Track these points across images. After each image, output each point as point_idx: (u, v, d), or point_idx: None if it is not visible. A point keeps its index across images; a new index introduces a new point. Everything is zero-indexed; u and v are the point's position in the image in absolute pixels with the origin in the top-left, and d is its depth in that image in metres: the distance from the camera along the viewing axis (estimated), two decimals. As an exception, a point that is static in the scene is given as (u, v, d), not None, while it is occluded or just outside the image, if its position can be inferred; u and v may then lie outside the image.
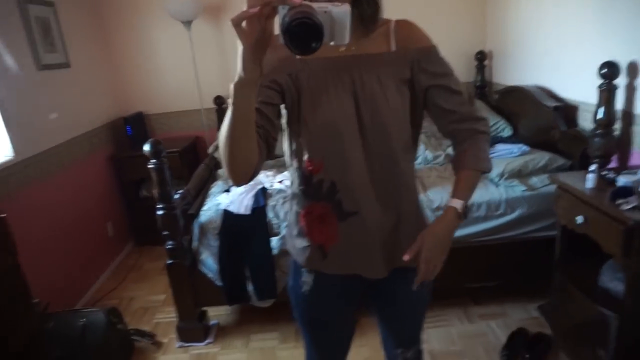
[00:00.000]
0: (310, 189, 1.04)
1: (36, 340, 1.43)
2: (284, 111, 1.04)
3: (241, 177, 0.93)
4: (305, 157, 1.01)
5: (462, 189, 1.04)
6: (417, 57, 1.01)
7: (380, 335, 1.35)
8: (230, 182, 0.96)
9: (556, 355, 2.02)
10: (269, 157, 1.00)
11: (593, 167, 1.75)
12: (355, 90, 0.97)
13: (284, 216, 2.18)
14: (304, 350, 1.28)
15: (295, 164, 1.05)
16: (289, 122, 1.04)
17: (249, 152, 0.89)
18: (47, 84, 2.61)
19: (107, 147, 3.28)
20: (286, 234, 1.17)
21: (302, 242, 1.09)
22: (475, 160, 1.04)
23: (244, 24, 0.69)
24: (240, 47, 0.72)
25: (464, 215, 1.03)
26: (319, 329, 1.20)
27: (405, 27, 1.04)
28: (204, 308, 2.38)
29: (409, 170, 1.09)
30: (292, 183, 1.11)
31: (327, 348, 1.24)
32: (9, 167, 2.21)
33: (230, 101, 0.80)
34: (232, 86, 0.78)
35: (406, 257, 0.99)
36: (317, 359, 1.26)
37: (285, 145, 1.09)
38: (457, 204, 1.02)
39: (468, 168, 1.04)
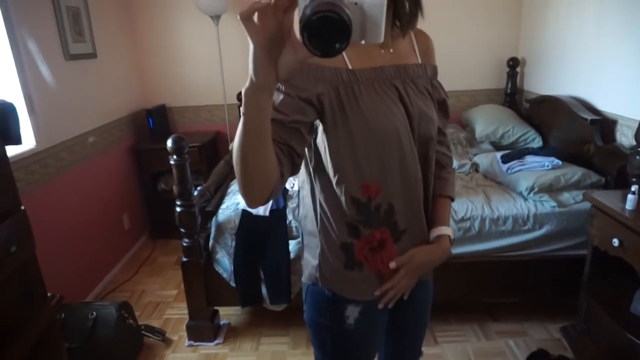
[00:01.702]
0: (369, 216, 0.94)
1: (48, 334, 1.41)
2: (318, 127, 0.92)
3: (256, 198, 0.80)
4: (362, 181, 0.92)
5: (447, 217, 1.06)
6: (431, 74, 1.01)
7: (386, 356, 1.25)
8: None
9: (579, 381, 1.93)
10: (291, 176, 0.89)
11: (634, 187, 1.65)
12: (404, 103, 0.92)
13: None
14: None
15: (344, 189, 0.93)
16: (330, 143, 0.91)
17: (264, 170, 0.76)
18: (74, 74, 2.61)
19: (128, 138, 3.28)
20: (322, 268, 1.00)
21: (355, 275, 0.98)
22: (453, 189, 1.10)
23: (255, 18, 0.57)
24: (251, 47, 0.60)
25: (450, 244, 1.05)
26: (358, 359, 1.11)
27: (424, 40, 1.03)
28: (216, 307, 2.35)
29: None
30: (324, 212, 0.97)
31: None
32: (31, 156, 2.20)
33: (241, 110, 0.68)
34: (243, 92, 0.65)
35: (392, 265, 0.97)
36: None
37: (312, 169, 0.97)
38: (449, 231, 1.03)
39: (448, 196, 1.08)
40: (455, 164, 2.67)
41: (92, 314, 2.04)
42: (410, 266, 0.98)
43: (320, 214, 0.98)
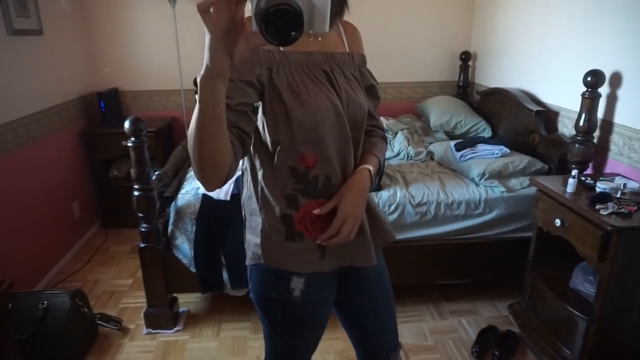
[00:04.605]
0: (307, 186, 1.00)
1: (-2, 322, 1.34)
2: (259, 107, 0.98)
3: (213, 181, 0.86)
4: (299, 153, 0.97)
5: (373, 164, 1.09)
6: (360, 62, 1.08)
7: (360, 352, 1.26)
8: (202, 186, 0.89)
9: (524, 353, 2.08)
10: (243, 157, 0.95)
11: (574, 172, 1.79)
12: (333, 85, 0.99)
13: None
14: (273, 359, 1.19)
15: (281, 162, 0.99)
16: (268, 119, 0.97)
17: (220, 154, 0.81)
18: (17, 50, 2.44)
19: (77, 122, 3.12)
20: (263, 244, 1.03)
21: (296, 246, 1.02)
22: (381, 154, 1.15)
23: (212, 10, 0.62)
24: (207, 36, 0.65)
25: (375, 180, 1.09)
26: (308, 333, 1.14)
27: (352, 30, 1.11)
28: (175, 294, 2.31)
29: None
30: (263, 187, 1.01)
31: (307, 352, 1.20)
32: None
33: (197, 97, 0.73)
34: (198, 80, 0.70)
35: (317, 212, 0.99)
36: None
37: (252, 148, 1.02)
38: (370, 166, 1.07)
39: (376, 156, 1.12)
40: (412, 151, 2.77)
41: (43, 303, 1.95)
42: (344, 207, 0.98)
43: (260, 191, 1.03)
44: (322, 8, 0.67)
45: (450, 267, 2.34)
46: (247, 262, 1.09)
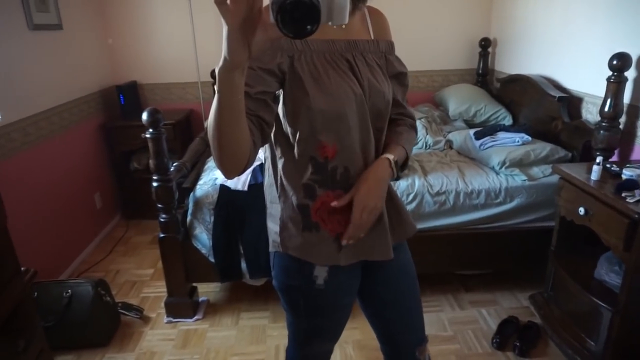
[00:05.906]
0: (325, 177, 0.99)
1: (23, 309, 1.37)
2: (280, 96, 0.97)
3: (232, 169, 0.86)
4: (318, 142, 0.96)
5: (395, 153, 1.05)
6: (386, 49, 1.05)
7: (385, 344, 1.24)
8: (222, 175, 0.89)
9: (545, 344, 2.04)
10: (263, 145, 0.94)
11: (599, 159, 1.73)
12: (355, 74, 0.97)
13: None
14: (296, 346, 1.21)
15: (301, 151, 0.98)
16: (287, 108, 0.96)
17: (239, 143, 0.82)
18: (37, 45, 2.49)
19: (98, 115, 3.17)
20: (281, 233, 1.04)
21: (313, 237, 1.01)
22: (408, 144, 1.11)
23: (229, 1, 0.62)
24: (225, 28, 0.64)
25: (396, 172, 1.05)
26: (331, 321, 1.13)
27: (379, 17, 1.08)
28: (194, 284, 2.34)
29: None
30: (282, 176, 1.02)
31: (330, 340, 1.20)
32: (-5, 129, 2.11)
33: (215, 88, 0.73)
34: (216, 71, 0.70)
35: (334, 204, 0.98)
36: (311, 349, 1.20)
37: (273, 136, 1.01)
38: (390, 156, 1.03)
39: (402, 146, 1.08)
40: (430, 140, 2.73)
41: (67, 292, 2.00)
42: (360, 197, 0.97)
43: (280, 179, 1.03)
44: (341, 0, 0.65)
45: (470, 257, 2.31)
46: (270, 248, 1.10)
